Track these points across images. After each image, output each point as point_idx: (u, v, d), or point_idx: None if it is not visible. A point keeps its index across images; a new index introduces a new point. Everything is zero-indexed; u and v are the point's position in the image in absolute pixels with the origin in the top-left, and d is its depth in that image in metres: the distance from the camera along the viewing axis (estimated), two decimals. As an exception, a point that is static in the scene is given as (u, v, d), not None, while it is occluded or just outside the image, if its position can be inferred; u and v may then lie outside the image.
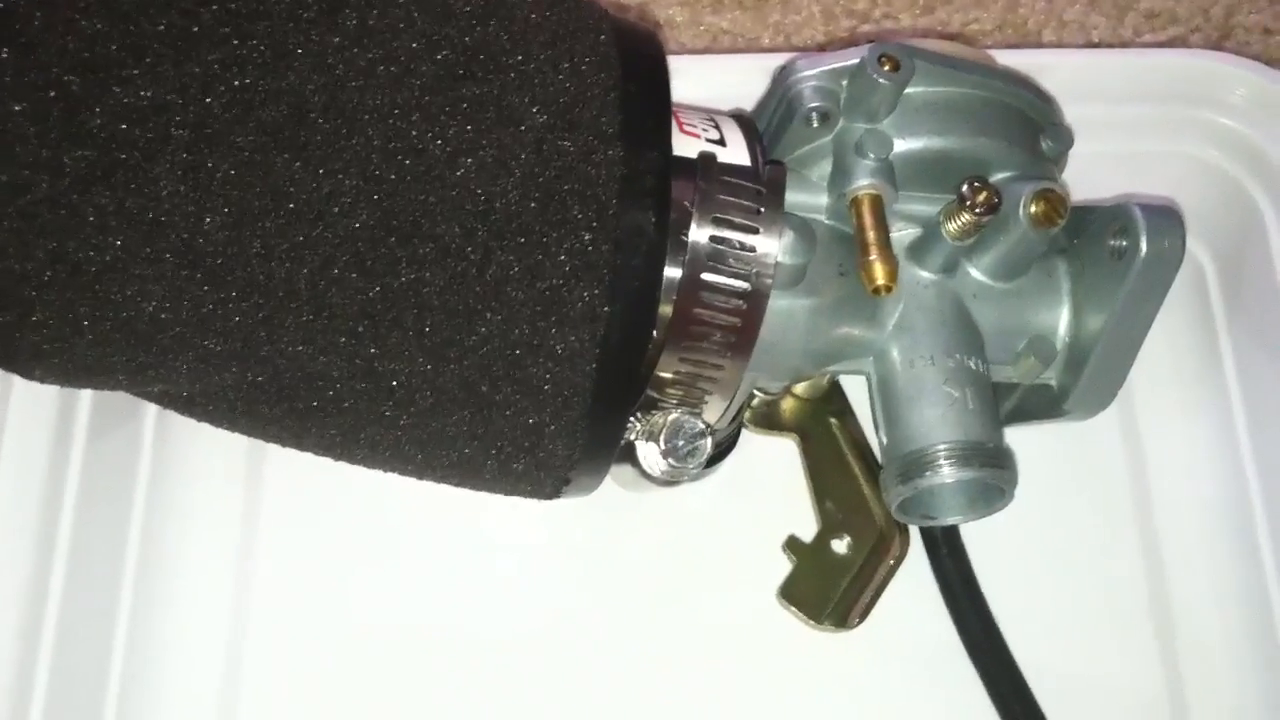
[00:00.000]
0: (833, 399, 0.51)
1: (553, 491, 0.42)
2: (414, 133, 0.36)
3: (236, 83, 0.34)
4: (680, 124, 0.42)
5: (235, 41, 0.34)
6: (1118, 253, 0.43)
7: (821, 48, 0.62)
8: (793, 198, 0.43)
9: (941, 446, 0.43)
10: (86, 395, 0.46)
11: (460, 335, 0.37)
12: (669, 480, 0.42)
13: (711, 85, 0.50)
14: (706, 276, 0.39)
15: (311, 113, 0.35)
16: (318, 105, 0.35)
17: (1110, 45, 0.61)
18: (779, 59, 0.47)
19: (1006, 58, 0.49)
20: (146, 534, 0.49)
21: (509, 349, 0.37)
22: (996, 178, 0.44)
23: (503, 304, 0.37)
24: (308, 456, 0.42)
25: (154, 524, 0.49)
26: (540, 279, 0.37)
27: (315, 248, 0.35)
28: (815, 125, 0.44)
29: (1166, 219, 0.43)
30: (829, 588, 0.48)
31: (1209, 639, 0.49)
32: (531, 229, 0.36)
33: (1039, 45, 0.62)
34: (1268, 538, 0.49)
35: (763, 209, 0.40)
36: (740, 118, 0.44)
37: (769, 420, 0.51)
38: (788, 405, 0.51)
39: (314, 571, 0.49)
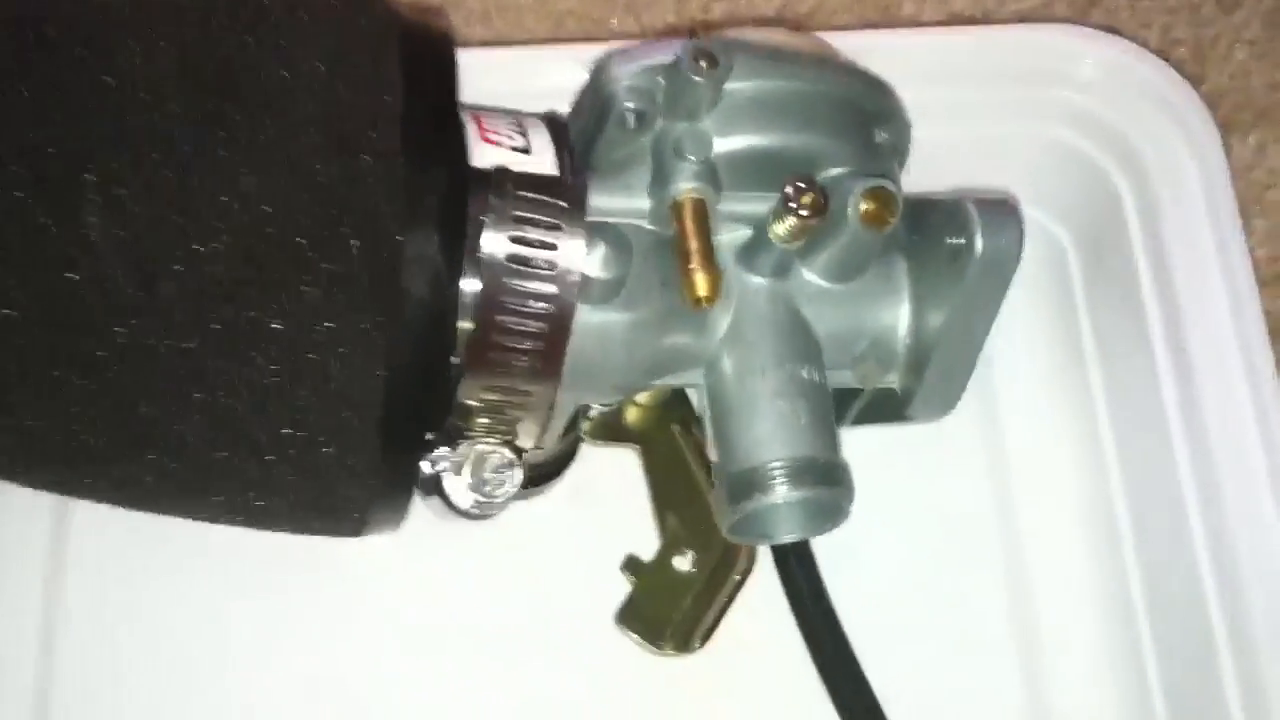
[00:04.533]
0: (676, 405, 0.49)
1: (351, 532, 0.39)
2: (165, 161, 0.33)
3: None
4: (482, 131, 0.39)
5: None
6: (955, 251, 0.41)
7: (672, 29, 0.59)
8: (612, 204, 0.41)
9: (774, 464, 0.40)
10: None
11: (230, 378, 0.34)
12: (479, 514, 0.39)
13: (550, 77, 0.47)
14: (503, 299, 0.37)
15: (47, 156, 0.32)
16: (54, 151, 0.32)
17: (970, 16, 0.59)
18: (625, 44, 0.44)
19: (851, 40, 0.46)
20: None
21: (284, 391, 0.34)
22: (828, 174, 0.41)
23: (273, 345, 0.34)
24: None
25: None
26: (315, 316, 0.34)
27: (56, 293, 0.32)
28: (632, 126, 0.41)
29: (1002, 216, 0.41)
30: (670, 608, 0.46)
31: (1071, 650, 0.47)
32: (301, 262, 0.34)
33: (897, 19, 0.59)
34: (1129, 532, 0.48)
35: (563, 223, 0.37)
36: (551, 120, 0.42)
37: (609, 430, 0.48)
38: (629, 413, 0.49)
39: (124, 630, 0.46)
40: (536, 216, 0.37)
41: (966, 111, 0.50)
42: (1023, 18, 0.60)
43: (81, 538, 0.47)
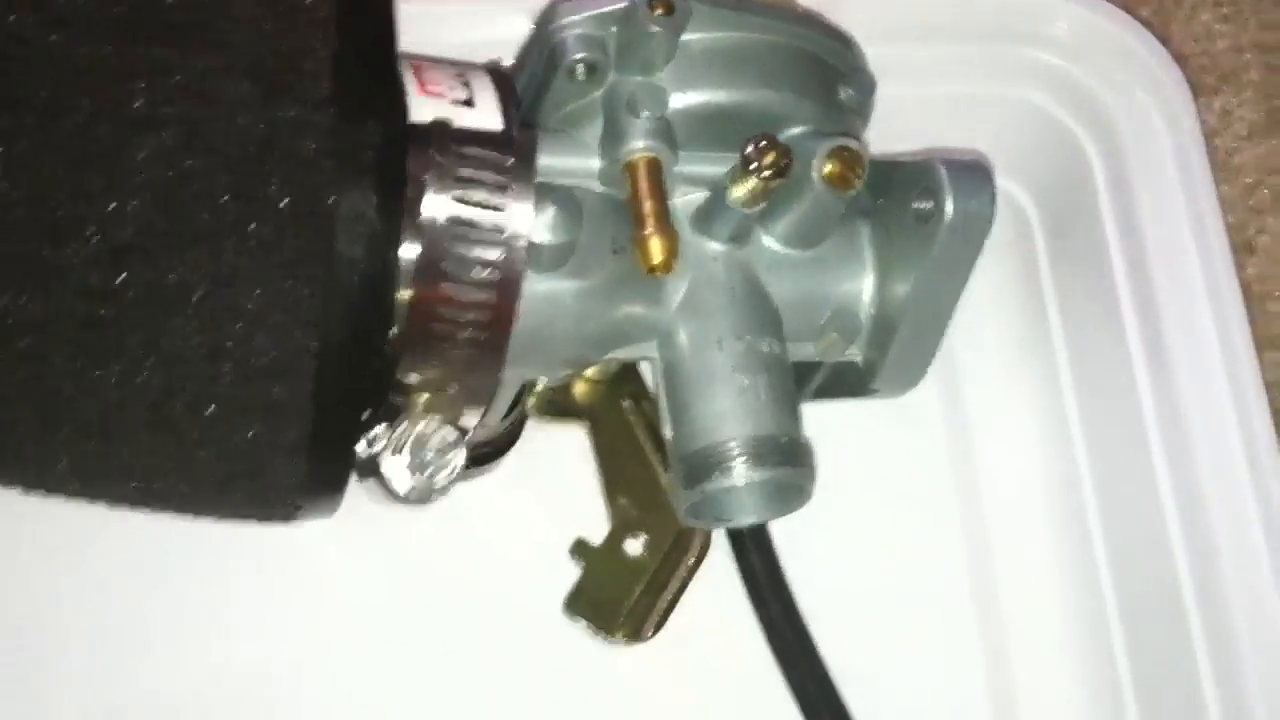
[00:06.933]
0: (627, 380, 0.46)
1: (283, 518, 0.36)
2: (75, 109, 0.30)
3: None
4: (421, 83, 0.37)
5: None
6: (923, 216, 0.39)
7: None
8: (561, 163, 0.38)
9: (732, 443, 0.38)
10: None
11: (148, 350, 0.31)
12: (419, 499, 0.37)
13: (491, 29, 0.44)
14: (445, 265, 0.34)
15: None
16: None
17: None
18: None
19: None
20: None
21: (206, 364, 0.31)
22: (789, 133, 0.39)
23: (195, 313, 0.31)
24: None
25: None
26: (240, 281, 0.31)
27: None
28: (582, 79, 0.38)
29: (974, 178, 0.39)
30: (622, 595, 0.43)
31: (1035, 634, 0.45)
32: (225, 222, 0.31)
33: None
34: (1098, 515, 0.46)
35: (510, 182, 0.34)
36: (495, 72, 0.39)
37: (556, 407, 0.46)
38: (578, 389, 0.46)
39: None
40: (482, 175, 0.34)
41: (930, 70, 0.48)
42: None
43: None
